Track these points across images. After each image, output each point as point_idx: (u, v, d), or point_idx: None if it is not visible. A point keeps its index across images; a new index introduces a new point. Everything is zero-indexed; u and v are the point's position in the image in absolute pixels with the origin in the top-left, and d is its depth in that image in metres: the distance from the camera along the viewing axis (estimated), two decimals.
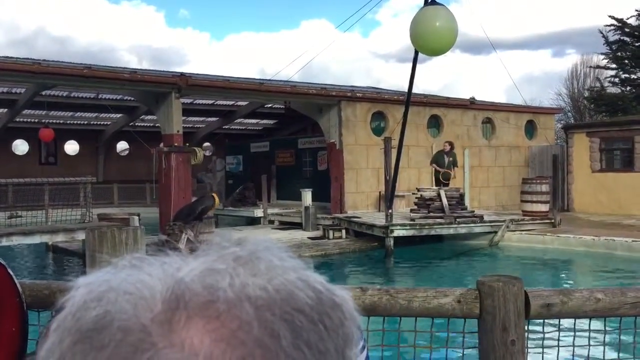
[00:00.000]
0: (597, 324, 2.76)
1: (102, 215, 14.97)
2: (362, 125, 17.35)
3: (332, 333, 0.38)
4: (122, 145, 27.55)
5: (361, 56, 67.69)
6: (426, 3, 9.89)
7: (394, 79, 68.43)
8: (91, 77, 14.03)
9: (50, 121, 22.61)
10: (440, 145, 17.79)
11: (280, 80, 18.10)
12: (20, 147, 25.53)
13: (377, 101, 17.92)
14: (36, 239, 12.37)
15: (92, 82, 14.53)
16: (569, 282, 11.41)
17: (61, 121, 23.84)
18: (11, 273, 2.47)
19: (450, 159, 15.93)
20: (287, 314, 0.37)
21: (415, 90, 13.89)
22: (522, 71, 57.31)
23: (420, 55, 10.98)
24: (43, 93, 18.66)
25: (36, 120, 22.83)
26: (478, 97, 20.75)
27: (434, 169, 16.13)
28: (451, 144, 16.36)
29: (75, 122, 24.46)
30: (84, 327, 0.36)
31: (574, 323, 2.60)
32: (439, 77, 61.50)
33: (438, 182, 15.72)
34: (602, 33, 27.81)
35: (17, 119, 22.00)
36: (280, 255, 0.41)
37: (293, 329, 0.37)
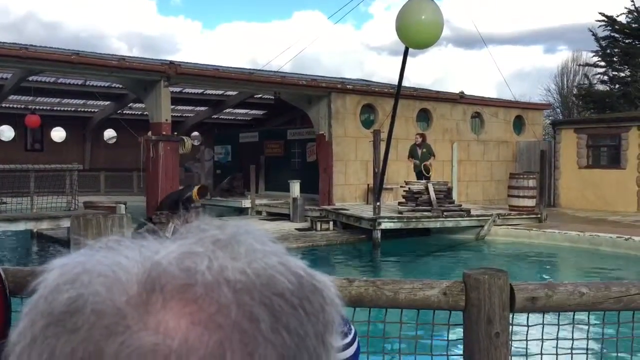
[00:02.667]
0: (581, 318, 2.78)
1: (88, 203, 14.84)
2: (351, 117, 17.34)
3: (312, 318, 0.38)
4: (109, 133, 27.35)
5: (353, 48, 67.64)
6: None
7: (386, 71, 68.52)
8: (79, 64, 13.89)
9: (37, 107, 22.37)
10: (430, 139, 17.84)
11: (270, 71, 18.03)
12: (6, 133, 25.28)
13: (367, 94, 17.91)
14: (21, 226, 12.27)
15: (79, 69, 14.38)
16: (553, 277, 11.50)
17: (48, 107, 23.60)
18: None
19: (424, 150, 15.61)
20: (266, 298, 0.36)
21: (406, 83, 13.92)
22: (514, 67, 57.63)
23: (412, 49, 10.97)
24: (30, 79, 18.45)
25: (22, 106, 22.58)
26: (469, 92, 20.83)
27: (412, 163, 15.96)
28: (422, 135, 16.00)
29: (62, 108, 24.24)
30: (57, 310, 0.36)
31: (558, 316, 2.62)
32: (430, 71, 61.67)
33: (419, 176, 15.63)
34: (591, 31, 27.98)
35: (3, 105, 21.75)
36: (261, 239, 0.41)
37: (272, 313, 0.36)
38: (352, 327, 1.36)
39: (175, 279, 0.36)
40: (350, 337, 1.31)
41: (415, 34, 9.40)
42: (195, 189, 13.80)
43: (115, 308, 0.35)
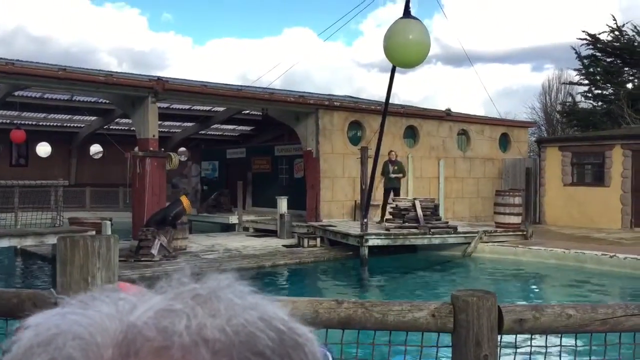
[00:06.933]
0: (569, 340, 2.79)
1: (73, 219, 14.72)
2: (339, 134, 17.41)
3: None
4: (95, 148, 27.19)
5: (343, 65, 67.92)
6: (405, 14, 9.99)
7: (376, 88, 68.93)
8: (66, 79, 13.82)
9: (23, 122, 22.21)
10: (417, 156, 18.00)
11: (259, 87, 18.07)
12: None
13: (355, 110, 18.00)
14: (4, 243, 12.10)
15: (66, 84, 14.32)
16: (539, 294, 11.56)
17: (34, 122, 23.44)
18: None
19: (395, 167, 15.69)
20: (245, 359, 0.36)
21: (395, 100, 14.04)
22: (502, 84, 58.23)
23: (399, 68, 11.07)
24: (15, 94, 18.34)
25: (8, 121, 22.42)
26: (458, 109, 21.04)
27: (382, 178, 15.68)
28: (395, 153, 16.08)
29: (48, 123, 24.08)
30: None
31: (546, 338, 2.63)
32: (419, 88, 62.12)
33: (387, 193, 15.51)
34: (574, 49, 28.41)
35: None
36: (241, 293, 0.40)
37: None
38: None
39: (152, 342, 0.35)
40: None
41: (402, 54, 9.50)
42: (184, 198, 13.69)
43: None
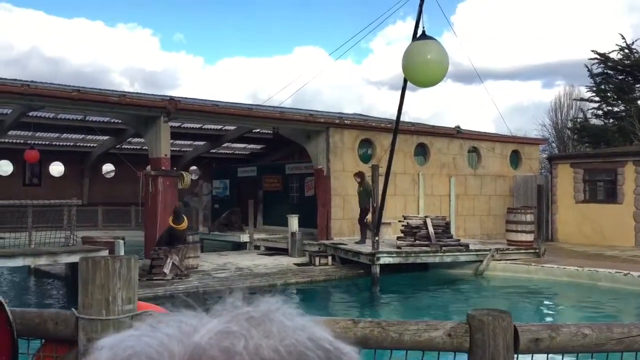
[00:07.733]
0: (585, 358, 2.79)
1: (86, 239, 14.80)
2: (349, 152, 17.47)
3: None
4: (108, 167, 27.43)
5: (354, 83, 68.26)
6: (415, 37, 10.09)
7: (386, 106, 69.11)
8: (80, 100, 14.01)
9: (36, 142, 22.50)
10: (428, 174, 18.01)
11: (269, 106, 18.21)
12: (4, 167, 25.33)
13: (365, 128, 18.08)
14: (19, 262, 12.20)
15: (80, 105, 14.51)
16: (553, 313, 11.46)
17: (47, 142, 23.73)
18: (2, 300, 2.46)
19: (360, 189, 15.04)
20: None
21: (405, 117, 14.09)
22: (513, 101, 58.25)
23: (411, 84, 11.15)
24: (30, 114, 18.59)
25: (22, 141, 22.71)
26: (469, 126, 21.09)
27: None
28: (358, 174, 15.23)
29: (61, 143, 24.37)
30: None
31: (562, 358, 2.63)
32: (430, 105, 62.27)
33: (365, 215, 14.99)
34: (587, 67, 28.44)
35: (2, 140, 21.87)
36: (290, 315, 0.44)
37: None
38: None
39: None
40: None
41: (422, 73, 9.60)
42: (170, 219, 13.37)
43: None
